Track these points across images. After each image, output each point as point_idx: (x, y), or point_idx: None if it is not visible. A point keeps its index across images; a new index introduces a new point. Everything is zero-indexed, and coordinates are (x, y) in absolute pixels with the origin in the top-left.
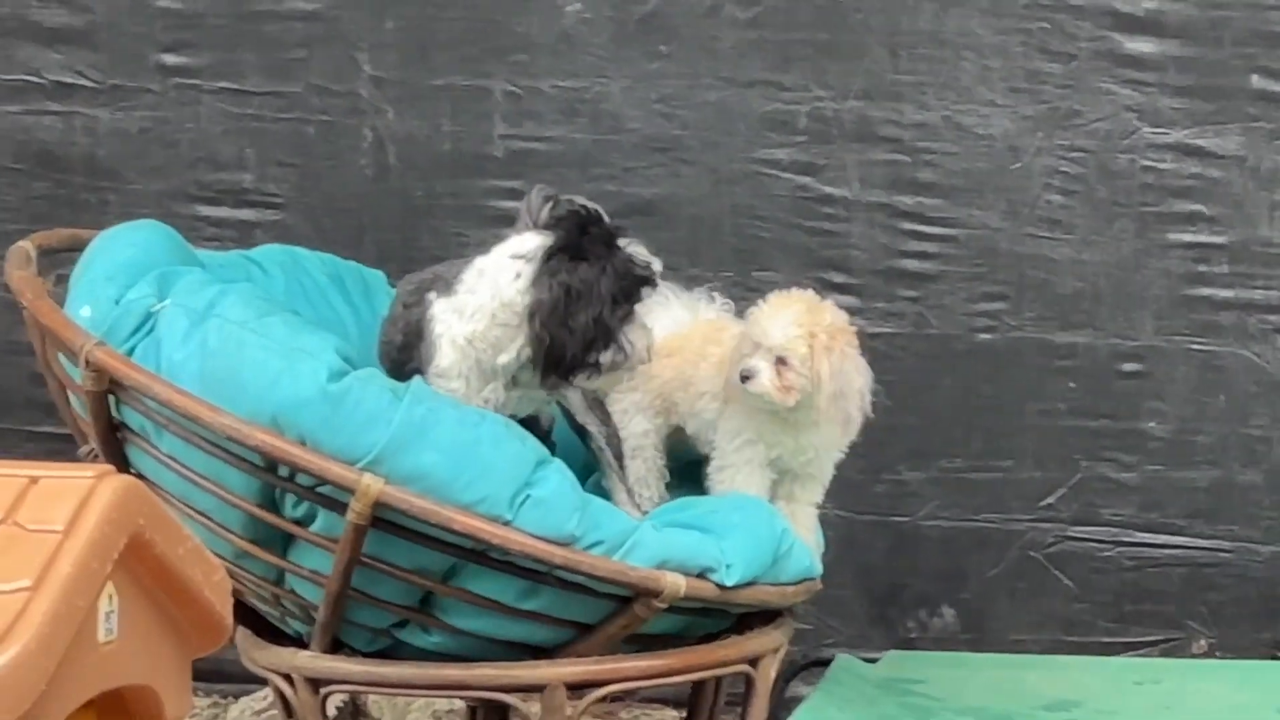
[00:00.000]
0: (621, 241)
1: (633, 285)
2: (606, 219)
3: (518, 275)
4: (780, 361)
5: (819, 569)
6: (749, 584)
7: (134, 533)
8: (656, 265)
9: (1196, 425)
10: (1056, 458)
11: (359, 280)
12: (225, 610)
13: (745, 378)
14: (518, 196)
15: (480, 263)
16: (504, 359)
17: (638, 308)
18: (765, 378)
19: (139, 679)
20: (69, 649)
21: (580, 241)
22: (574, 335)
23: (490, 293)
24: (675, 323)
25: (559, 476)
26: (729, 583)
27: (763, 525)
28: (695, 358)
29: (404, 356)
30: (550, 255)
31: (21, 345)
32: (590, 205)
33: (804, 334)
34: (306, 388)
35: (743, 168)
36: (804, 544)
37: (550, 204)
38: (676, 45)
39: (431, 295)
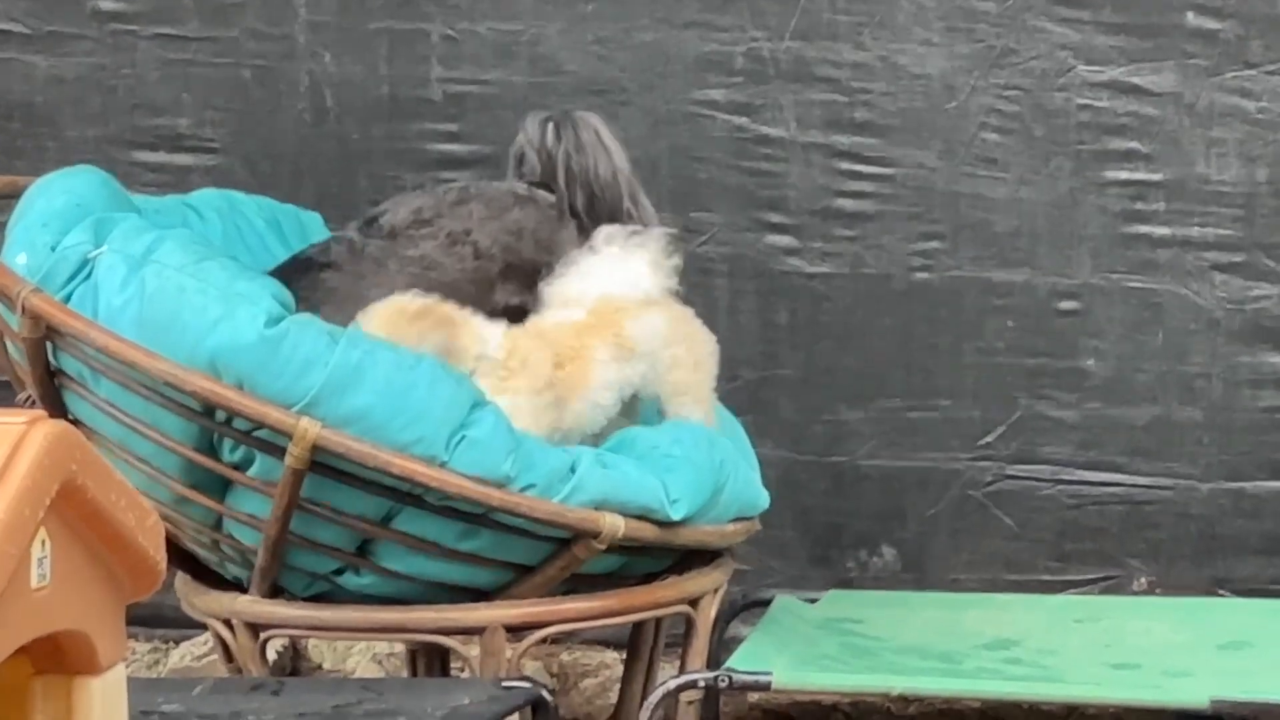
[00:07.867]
0: None
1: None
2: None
3: None
4: None
5: (764, 497)
6: (688, 521)
7: (66, 478)
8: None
9: (1135, 363)
10: (995, 396)
11: (296, 223)
12: (159, 555)
13: None
14: (455, 139)
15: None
16: None
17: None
18: None
19: (72, 624)
20: (2, 596)
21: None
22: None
23: None
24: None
25: (494, 418)
26: (676, 517)
27: (703, 456)
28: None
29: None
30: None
31: None
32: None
33: None
34: (245, 332)
35: (680, 109)
36: (745, 472)
37: (551, 125)
38: None
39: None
